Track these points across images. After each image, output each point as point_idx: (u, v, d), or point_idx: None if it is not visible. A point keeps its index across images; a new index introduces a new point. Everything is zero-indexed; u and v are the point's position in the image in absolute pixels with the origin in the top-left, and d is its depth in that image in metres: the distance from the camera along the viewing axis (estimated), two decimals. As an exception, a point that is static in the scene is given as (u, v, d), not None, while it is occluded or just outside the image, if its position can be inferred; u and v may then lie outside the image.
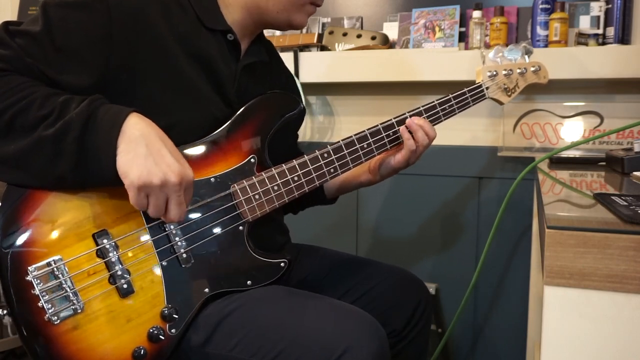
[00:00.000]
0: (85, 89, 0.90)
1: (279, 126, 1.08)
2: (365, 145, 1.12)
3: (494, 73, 1.25)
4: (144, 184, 0.83)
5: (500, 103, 1.28)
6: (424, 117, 1.15)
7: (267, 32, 1.28)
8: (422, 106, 1.16)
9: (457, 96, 1.19)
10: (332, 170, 1.09)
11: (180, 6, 1.01)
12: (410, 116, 1.14)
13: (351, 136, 1.11)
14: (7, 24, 0.90)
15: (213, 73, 1.03)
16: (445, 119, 1.19)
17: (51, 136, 0.84)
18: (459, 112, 1.20)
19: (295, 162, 1.06)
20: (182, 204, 0.88)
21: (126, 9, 0.93)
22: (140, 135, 0.85)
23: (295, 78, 1.72)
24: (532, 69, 1.29)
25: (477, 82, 1.24)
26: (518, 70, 1.27)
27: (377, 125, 1.13)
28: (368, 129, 1.12)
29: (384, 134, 1.13)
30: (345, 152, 1.10)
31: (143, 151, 0.84)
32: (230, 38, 1.06)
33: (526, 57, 1.29)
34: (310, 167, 1.07)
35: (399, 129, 1.14)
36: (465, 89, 1.21)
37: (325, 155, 1.08)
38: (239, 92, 1.08)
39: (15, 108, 0.85)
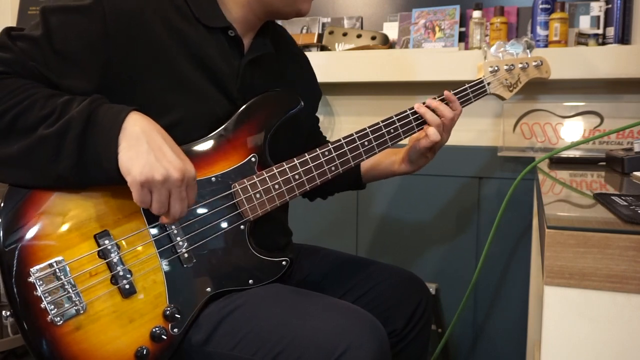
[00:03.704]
0: (85, 91, 0.91)
1: (280, 124, 1.08)
2: (365, 142, 1.12)
3: (496, 68, 1.24)
4: (147, 180, 0.84)
5: (502, 98, 1.27)
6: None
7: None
8: (423, 102, 1.16)
9: (458, 92, 1.19)
10: (332, 168, 1.09)
11: (176, 6, 1.01)
12: (411, 112, 1.15)
13: (352, 134, 1.11)
14: (9, 29, 0.92)
15: (213, 71, 1.03)
16: None
17: (52, 135, 0.85)
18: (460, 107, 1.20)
19: (296, 161, 1.06)
20: (183, 199, 0.88)
21: (122, 10, 0.94)
22: (142, 132, 0.86)
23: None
24: (534, 63, 1.28)
25: (478, 77, 1.24)
26: (520, 65, 1.26)
27: (378, 123, 1.13)
28: (369, 127, 1.13)
29: (384, 131, 1.13)
30: (346, 149, 1.10)
31: (144, 148, 0.85)
32: (232, 34, 1.05)
33: (528, 51, 1.28)
34: (311, 165, 1.07)
35: (399, 125, 1.14)
36: (466, 85, 1.20)
37: (326, 153, 1.09)
38: (243, 89, 1.07)
39: (17, 109, 0.85)
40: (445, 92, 1.16)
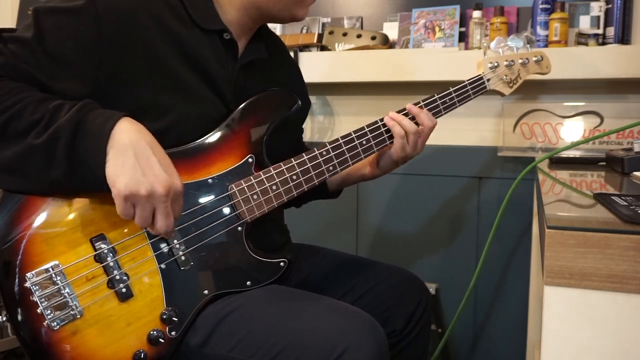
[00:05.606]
0: (79, 94, 0.90)
1: (277, 124, 1.08)
2: (364, 142, 1.12)
3: (495, 64, 1.23)
4: (131, 194, 0.83)
5: (502, 94, 1.26)
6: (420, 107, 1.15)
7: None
8: (423, 100, 1.16)
9: (458, 89, 1.18)
10: (330, 168, 1.09)
11: (171, 7, 1.00)
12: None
13: (350, 133, 1.11)
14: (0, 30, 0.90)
15: (207, 74, 1.02)
16: (445, 113, 1.18)
17: (42, 143, 0.84)
18: (459, 105, 1.19)
19: (293, 161, 1.05)
20: (169, 214, 0.87)
21: (115, 10, 0.93)
22: (129, 143, 0.84)
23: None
24: (535, 59, 1.27)
25: (477, 73, 1.23)
26: (520, 61, 1.25)
27: (377, 122, 1.13)
28: (367, 125, 1.12)
29: (383, 130, 1.13)
30: (344, 149, 1.10)
31: (131, 161, 0.83)
32: (227, 37, 1.05)
33: (528, 46, 1.27)
34: (309, 166, 1.07)
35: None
36: (466, 81, 1.20)
37: (324, 153, 1.08)
38: (236, 92, 1.07)
39: (8, 113, 0.84)
40: (408, 106, 1.14)
